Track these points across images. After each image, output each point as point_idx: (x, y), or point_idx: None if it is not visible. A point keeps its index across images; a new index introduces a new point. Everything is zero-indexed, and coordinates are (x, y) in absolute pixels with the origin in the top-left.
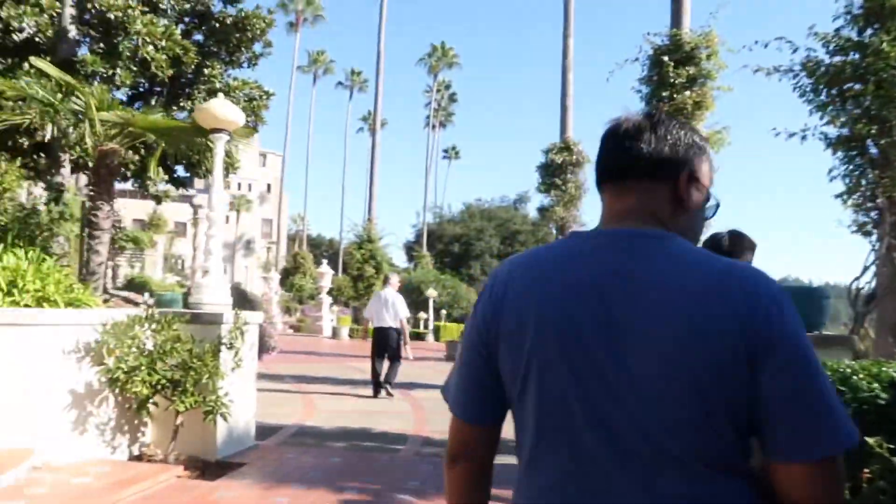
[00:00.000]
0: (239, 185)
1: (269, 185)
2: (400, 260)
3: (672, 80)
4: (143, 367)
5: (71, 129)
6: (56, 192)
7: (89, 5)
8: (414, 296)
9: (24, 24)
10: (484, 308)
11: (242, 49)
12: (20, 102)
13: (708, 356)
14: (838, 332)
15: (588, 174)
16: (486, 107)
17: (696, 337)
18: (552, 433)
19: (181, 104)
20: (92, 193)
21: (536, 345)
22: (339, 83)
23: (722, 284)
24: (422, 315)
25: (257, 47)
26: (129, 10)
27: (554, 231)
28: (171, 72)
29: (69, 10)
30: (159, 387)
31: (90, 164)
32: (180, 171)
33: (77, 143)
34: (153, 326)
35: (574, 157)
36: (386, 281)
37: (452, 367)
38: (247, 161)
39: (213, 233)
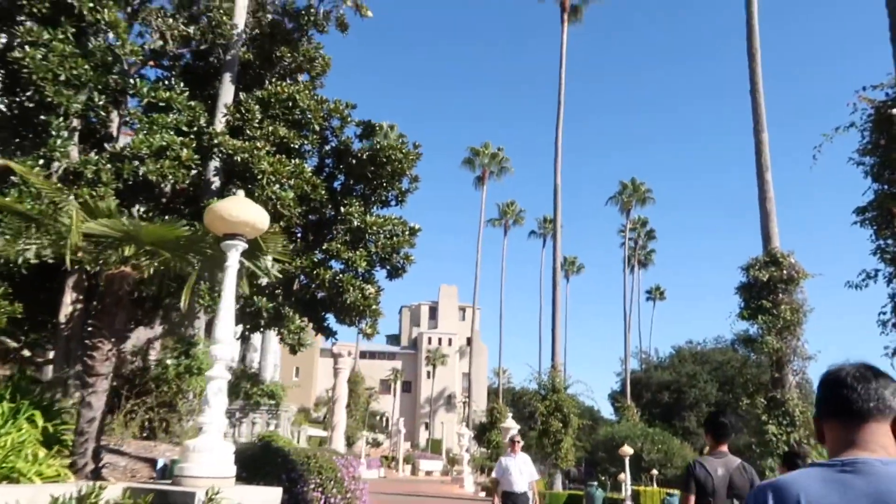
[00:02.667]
0: (440, 339)
1: (468, 339)
2: (606, 411)
3: None
4: None
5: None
6: (187, 345)
7: (216, 150)
8: (616, 453)
9: (167, 179)
10: None
11: (384, 185)
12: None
13: None
14: None
15: (808, 292)
16: (689, 241)
17: None
18: None
19: (324, 247)
20: (90, 329)
21: None
22: (532, 232)
23: None
24: (621, 477)
25: (405, 183)
26: (256, 151)
27: (768, 367)
28: (298, 210)
29: (213, 164)
30: None
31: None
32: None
33: (80, 268)
34: None
35: (784, 271)
36: (514, 443)
37: None
38: (446, 315)
39: (214, 374)
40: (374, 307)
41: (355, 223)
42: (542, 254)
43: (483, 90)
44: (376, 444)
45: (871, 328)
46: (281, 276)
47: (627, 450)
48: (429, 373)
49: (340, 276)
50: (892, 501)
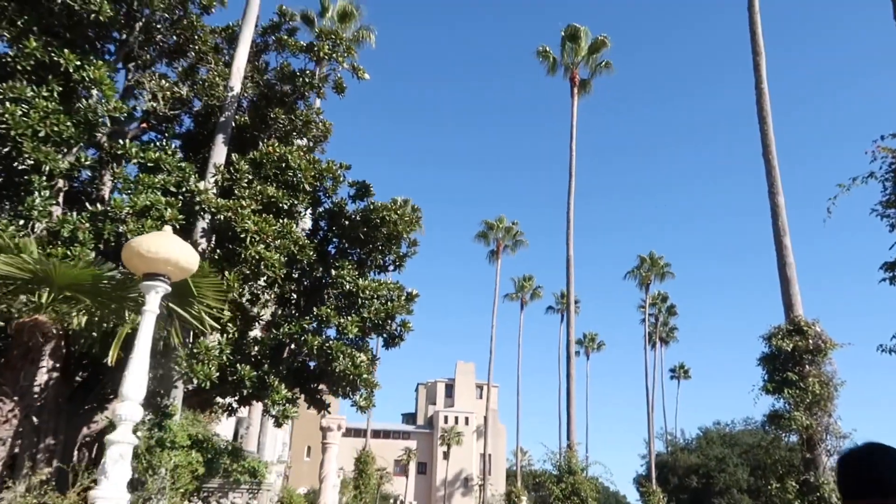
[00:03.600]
0: (456, 418)
1: (485, 418)
2: (632, 496)
3: None
4: None
5: None
6: (161, 416)
7: (199, 208)
8: None
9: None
10: None
11: (380, 248)
12: None
13: None
14: None
15: (837, 363)
16: (713, 318)
17: None
18: None
19: (315, 313)
20: None
21: None
22: (550, 307)
23: None
24: None
25: (403, 247)
26: (240, 210)
27: (797, 445)
28: (284, 272)
29: (200, 224)
30: None
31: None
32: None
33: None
34: None
35: (810, 341)
36: None
37: None
38: (463, 393)
39: (115, 437)
40: (366, 376)
41: (347, 287)
42: (560, 329)
43: (495, 166)
44: None
45: None
46: (217, 326)
47: None
48: (445, 453)
49: (330, 342)
50: None
